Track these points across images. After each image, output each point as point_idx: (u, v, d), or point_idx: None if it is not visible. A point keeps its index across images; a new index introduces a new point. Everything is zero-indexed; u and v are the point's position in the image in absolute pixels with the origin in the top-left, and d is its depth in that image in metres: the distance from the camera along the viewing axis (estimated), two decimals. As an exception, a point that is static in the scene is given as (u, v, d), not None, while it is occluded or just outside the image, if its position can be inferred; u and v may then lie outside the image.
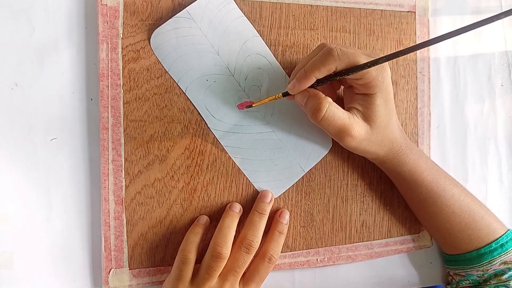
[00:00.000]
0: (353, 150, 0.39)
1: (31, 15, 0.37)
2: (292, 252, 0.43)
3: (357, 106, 0.38)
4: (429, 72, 0.48)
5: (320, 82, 0.36)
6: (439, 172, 0.42)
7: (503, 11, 0.29)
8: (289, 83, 0.38)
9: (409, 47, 0.31)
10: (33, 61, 0.37)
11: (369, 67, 0.34)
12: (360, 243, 0.45)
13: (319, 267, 0.44)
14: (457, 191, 0.42)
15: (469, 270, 0.43)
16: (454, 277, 0.45)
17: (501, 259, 0.41)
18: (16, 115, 0.37)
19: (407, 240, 0.47)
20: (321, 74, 0.35)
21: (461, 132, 0.51)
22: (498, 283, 0.41)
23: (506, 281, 0.41)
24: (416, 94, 0.47)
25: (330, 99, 0.36)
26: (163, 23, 0.38)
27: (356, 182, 0.45)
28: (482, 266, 0.42)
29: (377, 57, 0.33)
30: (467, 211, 0.42)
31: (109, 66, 0.38)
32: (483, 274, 0.42)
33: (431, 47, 0.48)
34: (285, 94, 0.38)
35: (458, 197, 0.42)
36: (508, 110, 0.53)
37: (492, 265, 0.41)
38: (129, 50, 0.38)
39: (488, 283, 0.42)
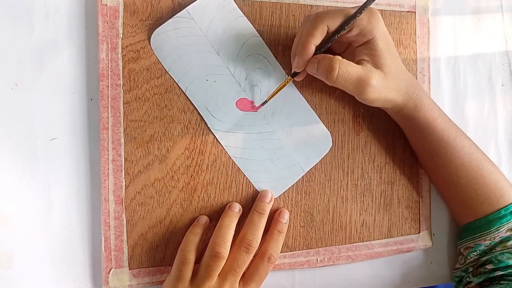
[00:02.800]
0: (374, 102, 0.39)
1: (31, 15, 0.37)
2: (292, 252, 0.43)
3: (363, 57, 0.38)
4: (429, 72, 0.48)
5: (322, 48, 0.37)
6: (451, 123, 0.42)
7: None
8: (292, 63, 0.38)
9: None
10: (33, 61, 0.37)
11: (360, 13, 0.34)
12: (360, 243, 0.45)
13: (319, 267, 0.44)
14: (467, 144, 0.42)
15: (477, 239, 0.42)
16: (464, 252, 0.45)
17: (509, 225, 0.41)
18: (16, 115, 0.37)
19: (407, 240, 0.47)
20: (316, 39, 0.36)
21: (461, 132, 0.51)
22: (503, 249, 0.41)
23: (511, 247, 0.41)
24: (416, 94, 0.47)
25: (339, 57, 0.36)
26: (163, 23, 0.38)
27: (356, 182, 0.45)
28: (490, 234, 0.41)
29: (362, 3, 0.34)
30: (476, 165, 0.41)
31: (109, 66, 0.38)
32: (490, 243, 0.42)
33: (431, 47, 0.48)
34: (294, 75, 0.39)
35: (468, 150, 0.42)
36: (509, 110, 0.53)
37: (499, 232, 0.41)
38: (129, 50, 0.38)
39: (493, 251, 0.41)
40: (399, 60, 0.39)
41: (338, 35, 0.36)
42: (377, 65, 0.37)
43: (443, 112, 0.42)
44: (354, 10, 0.35)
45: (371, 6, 0.36)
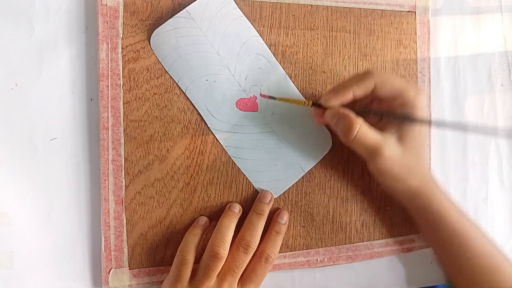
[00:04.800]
0: (383, 176, 0.39)
1: (31, 15, 0.37)
2: (292, 252, 0.43)
3: (391, 127, 0.38)
4: (429, 72, 0.48)
5: (357, 109, 0.37)
6: (463, 213, 0.42)
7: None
8: (324, 95, 0.38)
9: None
10: (33, 61, 0.37)
11: (407, 120, 0.36)
12: (360, 243, 0.45)
13: (319, 267, 0.44)
14: (479, 233, 0.42)
15: None
16: None
17: None
18: (16, 115, 0.37)
19: (407, 240, 0.47)
20: (359, 90, 0.36)
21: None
22: None
23: None
24: (416, 94, 0.47)
25: (362, 119, 0.36)
26: (163, 23, 0.38)
27: (356, 182, 0.45)
28: None
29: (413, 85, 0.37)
30: (489, 255, 0.41)
31: (109, 66, 0.38)
32: None
33: (431, 46, 0.48)
34: (315, 104, 0.38)
35: (481, 240, 0.41)
36: (508, 110, 0.53)
37: None
38: (129, 50, 0.38)
39: None
40: (425, 145, 0.39)
41: (376, 116, 0.37)
42: (401, 139, 0.37)
43: (455, 201, 0.42)
44: (400, 80, 0.36)
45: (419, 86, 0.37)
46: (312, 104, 0.38)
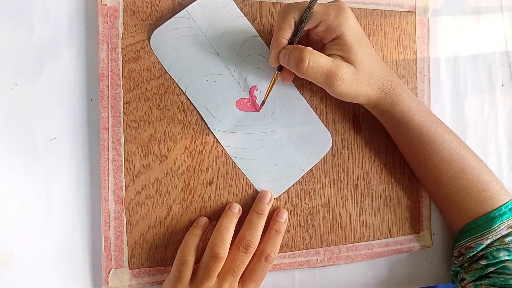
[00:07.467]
0: (345, 96, 0.39)
1: (31, 15, 0.37)
2: (292, 252, 0.43)
3: (333, 52, 0.37)
4: (429, 72, 0.48)
5: (292, 42, 0.37)
6: (431, 117, 0.42)
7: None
8: (270, 60, 0.39)
9: None
10: (33, 61, 0.37)
11: (315, 2, 0.35)
12: (360, 243, 0.45)
13: (319, 267, 0.44)
14: (448, 138, 0.41)
15: (479, 239, 0.41)
16: (465, 251, 0.44)
17: (509, 223, 0.41)
18: (16, 115, 0.37)
19: (407, 240, 0.47)
20: (284, 32, 0.36)
21: (461, 132, 0.51)
22: (500, 245, 0.41)
23: (508, 244, 0.40)
24: (416, 94, 0.47)
25: (310, 48, 0.36)
26: (163, 23, 0.39)
27: (356, 182, 0.45)
28: (491, 232, 0.41)
29: None
30: (457, 159, 0.41)
31: (109, 66, 0.38)
32: (492, 242, 0.41)
33: (431, 47, 0.48)
34: (279, 69, 0.39)
35: (449, 144, 0.41)
36: (509, 110, 0.53)
37: (500, 230, 0.41)
38: (129, 50, 0.38)
39: (491, 246, 0.41)
40: (373, 54, 0.39)
41: (302, 28, 0.36)
42: (347, 60, 0.37)
43: (423, 106, 0.42)
44: (324, 7, 0.36)
45: (342, 1, 0.37)
46: (278, 70, 0.39)
